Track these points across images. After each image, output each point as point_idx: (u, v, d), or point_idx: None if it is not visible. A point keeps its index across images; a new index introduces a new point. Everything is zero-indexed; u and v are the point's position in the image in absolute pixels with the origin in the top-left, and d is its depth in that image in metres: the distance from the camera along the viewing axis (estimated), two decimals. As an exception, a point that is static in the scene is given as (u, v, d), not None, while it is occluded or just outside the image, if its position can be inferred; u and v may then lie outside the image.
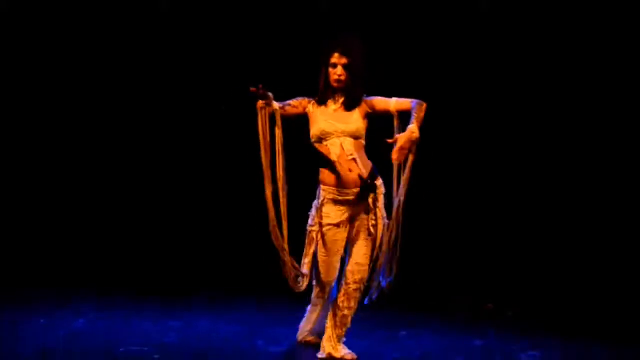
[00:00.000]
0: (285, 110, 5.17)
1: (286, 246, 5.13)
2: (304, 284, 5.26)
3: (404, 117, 5.14)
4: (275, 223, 5.07)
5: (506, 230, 7.56)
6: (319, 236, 5.25)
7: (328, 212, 5.23)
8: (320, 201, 5.26)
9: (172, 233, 7.92)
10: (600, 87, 7.37)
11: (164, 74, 7.87)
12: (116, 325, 6.01)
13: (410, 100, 5.16)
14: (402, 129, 5.04)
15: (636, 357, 5.63)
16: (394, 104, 5.18)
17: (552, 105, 7.48)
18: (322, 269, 5.30)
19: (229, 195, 7.71)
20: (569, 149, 7.46)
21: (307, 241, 5.31)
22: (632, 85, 7.32)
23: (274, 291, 6.02)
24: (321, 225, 5.24)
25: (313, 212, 5.31)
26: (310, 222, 5.32)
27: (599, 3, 7.28)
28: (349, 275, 5.31)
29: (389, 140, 4.97)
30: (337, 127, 5.18)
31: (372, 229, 5.25)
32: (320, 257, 5.28)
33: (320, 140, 5.21)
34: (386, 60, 7.34)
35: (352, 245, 5.33)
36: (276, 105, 5.07)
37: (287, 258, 5.15)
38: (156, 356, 5.25)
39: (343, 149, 5.17)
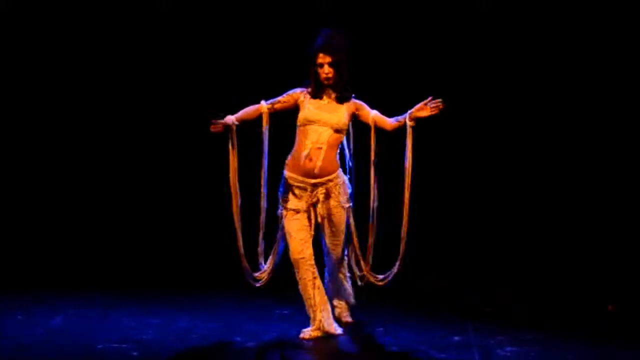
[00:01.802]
0: (274, 108, 5.59)
1: (242, 251, 5.61)
2: (262, 278, 5.73)
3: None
4: (239, 231, 5.57)
5: (487, 225, 7.59)
6: (283, 219, 5.60)
7: (287, 197, 5.59)
8: (282, 185, 5.64)
9: (150, 231, 7.90)
10: (600, 86, 7.39)
11: (164, 74, 7.87)
12: (94, 322, 6.00)
13: (386, 119, 5.58)
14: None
15: (612, 353, 5.66)
16: (372, 114, 5.60)
17: (551, 105, 7.50)
18: (291, 247, 5.57)
19: (209, 194, 7.68)
20: (568, 149, 7.48)
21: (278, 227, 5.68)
22: (632, 85, 7.34)
23: (251, 289, 6.01)
24: (283, 209, 5.60)
25: (279, 196, 5.67)
26: (278, 207, 5.67)
27: (599, 3, 7.30)
28: (331, 255, 5.76)
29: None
30: (321, 117, 5.50)
31: (329, 217, 5.61)
32: (287, 238, 5.57)
33: (304, 125, 5.52)
34: (386, 60, 7.40)
35: (323, 230, 5.69)
36: (232, 121, 5.48)
37: (244, 263, 5.65)
38: (135, 353, 5.24)
39: (319, 138, 5.49)
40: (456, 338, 5.78)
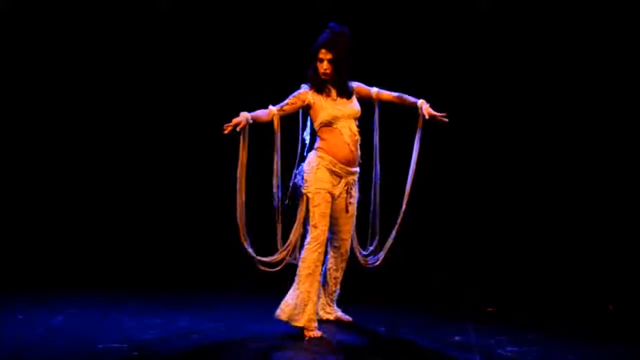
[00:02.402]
0: (283, 110, 5.65)
1: (244, 241, 5.61)
2: (281, 259, 5.72)
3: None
4: (242, 219, 5.58)
5: (488, 225, 7.60)
6: (315, 197, 5.61)
7: (322, 177, 5.63)
8: (314, 166, 5.64)
9: (151, 231, 7.91)
10: (600, 87, 7.40)
11: (164, 74, 7.87)
12: (95, 322, 6.00)
13: (389, 92, 5.86)
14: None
15: (612, 353, 5.66)
16: (375, 91, 5.85)
17: (551, 105, 7.50)
18: (326, 227, 5.64)
19: (211, 194, 7.69)
20: (568, 149, 7.49)
21: (300, 207, 5.68)
22: (632, 86, 7.35)
23: (252, 288, 6.03)
24: (320, 189, 5.62)
25: (306, 176, 5.64)
26: (304, 185, 5.65)
27: (599, 3, 7.31)
28: (340, 249, 5.86)
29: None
30: (344, 112, 5.66)
31: (349, 207, 5.76)
32: (318, 216, 5.61)
33: (330, 123, 5.64)
34: (386, 60, 7.40)
35: (337, 221, 5.79)
36: (247, 119, 5.46)
37: (249, 251, 5.63)
38: (135, 353, 5.24)
39: (351, 130, 5.65)
40: (456, 338, 5.78)
